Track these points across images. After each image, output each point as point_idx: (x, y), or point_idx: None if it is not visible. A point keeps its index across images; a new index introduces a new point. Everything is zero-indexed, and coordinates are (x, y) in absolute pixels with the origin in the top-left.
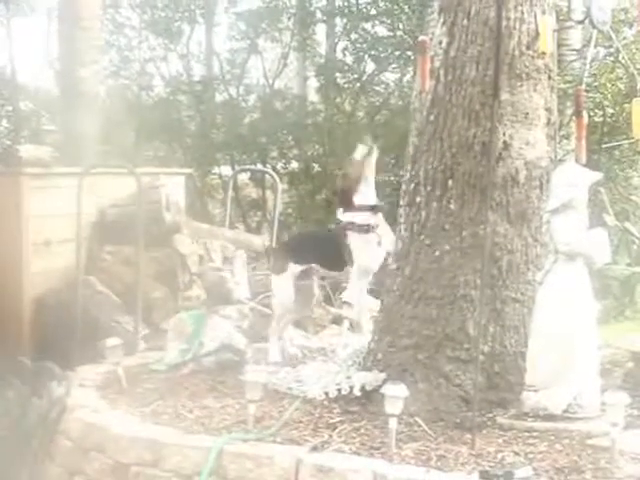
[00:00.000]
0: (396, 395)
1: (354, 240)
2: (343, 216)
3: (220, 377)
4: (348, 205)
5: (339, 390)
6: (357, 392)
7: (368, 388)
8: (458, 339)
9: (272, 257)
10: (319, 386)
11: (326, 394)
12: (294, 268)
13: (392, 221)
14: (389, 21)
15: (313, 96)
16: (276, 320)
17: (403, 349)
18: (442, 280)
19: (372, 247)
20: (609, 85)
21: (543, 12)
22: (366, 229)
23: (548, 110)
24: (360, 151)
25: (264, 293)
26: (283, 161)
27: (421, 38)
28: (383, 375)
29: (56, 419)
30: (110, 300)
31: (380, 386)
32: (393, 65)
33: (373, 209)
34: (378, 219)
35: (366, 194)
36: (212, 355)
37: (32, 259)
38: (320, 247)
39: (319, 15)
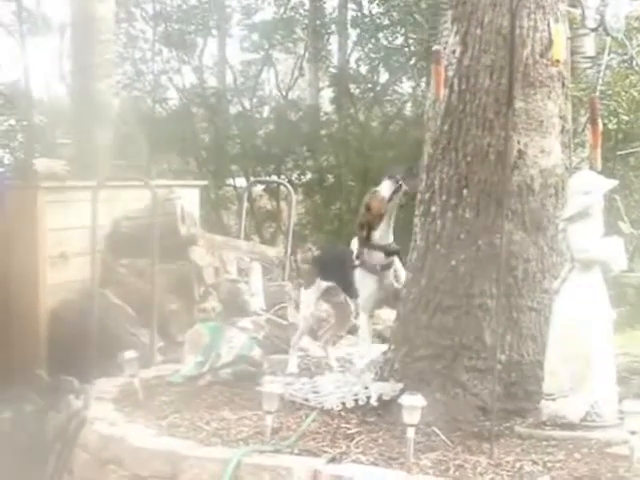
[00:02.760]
0: (413, 405)
1: (361, 277)
2: (356, 250)
3: (237, 389)
4: (365, 240)
5: (356, 401)
6: (374, 402)
7: (385, 398)
8: (475, 348)
9: (304, 271)
10: (336, 397)
11: (343, 405)
12: (320, 284)
13: (407, 231)
14: (402, 31)
15: (327, 107)
16: (298, 333)
17: (420, 359)
18: (458, 289)
19: (377, 288)
20: (623, 92)
21: (556, 20)
22: (375, 269)
23: (562, 118)
24: (387, 187)
25: (279, 304)
26: (298, 172)
27: (435, 48)
28: (400, 385)
29: (74, 432)
30: (126, 313)
31: (397, 396)
32: (407, 75)
33: (387, 250)
34: (392, 260)
35: (384, 233)
36: (229, 367)
37: (48, 272)
38: (342, 268)
39: (333, 26)
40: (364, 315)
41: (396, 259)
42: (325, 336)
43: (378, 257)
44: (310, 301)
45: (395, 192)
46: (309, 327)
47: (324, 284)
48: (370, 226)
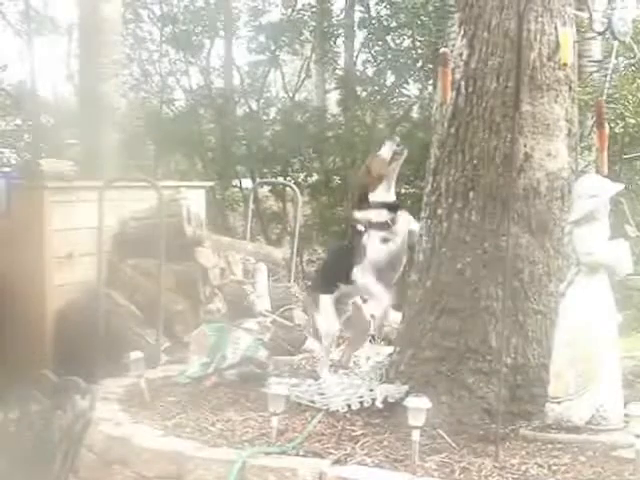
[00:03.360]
0: (419, 407)
1: (371, 237)
2: (359, 215)
3: (242, 390)
4: (363, 202)
5: (361, 402)
6: (379, 404)
7: (391, 400)
8: (481, 351)
9: (318, 275)
10: (342, 399)
11: (349, 407)
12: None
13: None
14: (409, 33)
15: (334, 108)
16: (324, 340)
17: (425, 361)
18: (464, 292)
19: (385, 245)
20: (630, 96)
21: (564, 23)
22: (382, 226)
23: (569, 121)
24: (387, 149)
25: (285, 306)
26: (304, 173)
27: (442, 50)
28: (406, 387)
29: (80, 433)
30: (132, 313)
31: (403, 398)
32: (414, 77)
33: (390, 207)
34: (396, 216)
35: (384, 193)
36: (234, 368)
37: (54, 272)
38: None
39: (340, 28)
40: (371, 277)
41: (405, 218)
42: (344, 357)
43: (381, 214)
44: (328, 319)
45: (395, 155)
46: (331, 345)
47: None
48: (369, 187)
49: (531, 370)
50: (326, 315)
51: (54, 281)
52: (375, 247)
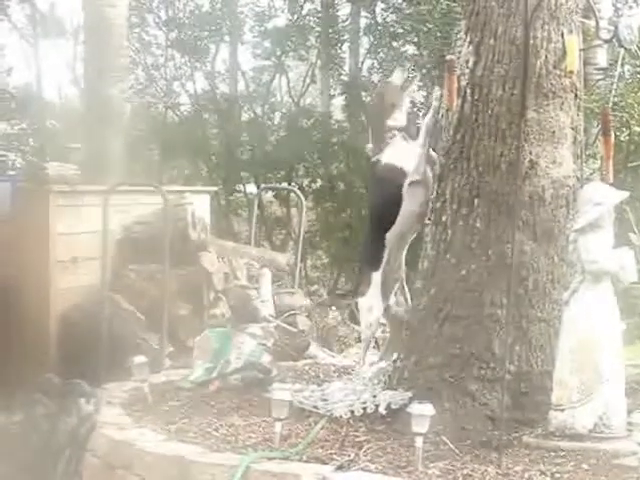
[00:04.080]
0: (422, 414)
1: (399, 146)
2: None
3: (246, 395)
4: (380, 129)
5: (365, 409)
6: (383, 411)
7: (394, 407)
8: (484, 358)
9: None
10: (345, 404)
11: (352, 413)
12: (377, 278)
13: (418, 240)
14: (415, 40)
15: (338, 114)
16: (364, 345)
17: (429, 368)
18: (468, 299)
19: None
20: (635, 104)
21: (570, 31)
22: (407, 131)
23: (574, 129)
24: (398, 75)
25: (289, 311)
26: (308, 179)
27: (449, 57)
28: (409, 394)
29: (85, 436)
30: (136, 317)
31: (406, 405)
32: (419, 84)
33: (404, 130)
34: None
35: (398, 118)
36: (238, 373)
37: (59, 276)
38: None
39: (345, 34)
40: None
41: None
42: (385, 357)
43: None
44: (372, 304)
45: (407, 82)
46: (373, 336)
47: (379, 273)
48: (385, 115)
49: (534, 378)
50: (377, 294)
51: (59, 285)
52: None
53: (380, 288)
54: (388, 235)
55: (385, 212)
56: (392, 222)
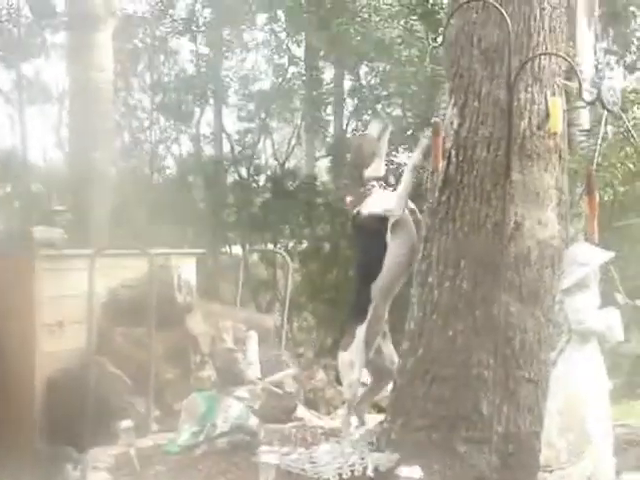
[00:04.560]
0: (410, 476)
1: (378, 195)
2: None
3: (233, 458)
4: (358, 180)
5: (353, 471)
6: (371, 473)
7: (382, 469)
8: (472, 419)
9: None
10: (332, 467)
11: (340, 476)
12: (360, 333)
13: (404, 301)
14: (400, 102)
15: (324, 176)
16: (347, 406)
17: (417, 429)
18: (455, 360)
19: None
20: (619, 164)
21: (553, 93)
22: (386, 181)
23: (559, 190)
24: (374, 127)
25: (275, 373)
26: (294, 241)
27: (434, 119)
28: (397, 456)
29: None
30: (122, 381)
31: (394, 467)
32: (404, 145)
33: (383, 179)
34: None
35: (376, 168)
36: (225, 436)
37: (44, 340)
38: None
39: (330, 97)
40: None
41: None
42: (362, 406)
43: (379, 169)
44: (354, 359)
45: (383, 131)
46: (355, 396)
47: (364, 327)
48: (364, 166)
49: (523, 438)
50: (360, 349)
51: (44, 348)
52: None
53: (363, 343)
54: (374, 286)
55: (370, 262)
56: (377, 273)
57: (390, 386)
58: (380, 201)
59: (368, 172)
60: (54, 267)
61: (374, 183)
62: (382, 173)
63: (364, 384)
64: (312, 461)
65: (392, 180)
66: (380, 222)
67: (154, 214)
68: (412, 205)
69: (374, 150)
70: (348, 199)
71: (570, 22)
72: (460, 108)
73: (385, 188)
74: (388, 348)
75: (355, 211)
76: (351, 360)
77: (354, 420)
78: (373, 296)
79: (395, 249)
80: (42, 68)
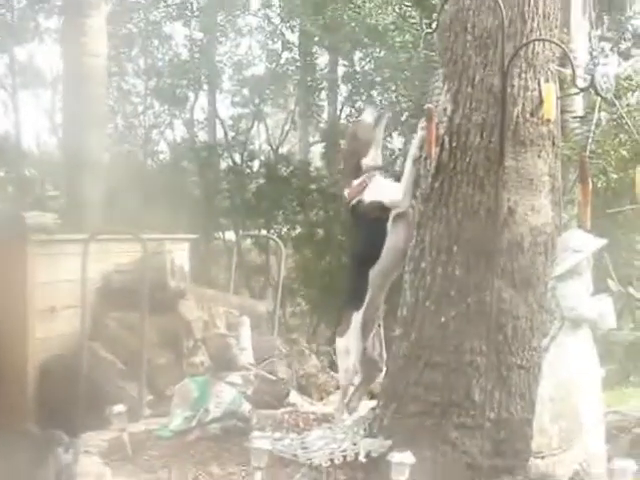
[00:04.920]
0: (402, 462)
1: (380, 183)
2: (352, 186)
3: (225, 444)
4: (356, 170)
5: (345, 457)
6: (363, 459)
7: (374, 455)
8: (464, 406)
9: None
10: (325, 453)
11: (332, 461)
12: (357, 317)
13: (397, 287)
14: (393, 88)
15: (317, 162)
16: (341, 392)
17: (409, 415)
18: (447, 346)
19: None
20: (612, 151)
21: (547, 79)
22: (385, 170)
23: (552, 176)
24: (370, 113)
25: (268, 359)
26: (287, 226)
27: (427, 106)
28: (389, 442)
29: None
30: (114, 366)
31: (386, 453)
32: (397, 131)
33: (382, 169)
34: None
35: (374, 157)
36: (217, 422)
37: (37, 325)
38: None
39: (324, 82)
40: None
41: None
42: (354, 399)
43: (377, 158)
44: (350, 346)
45: (379, 118)
46: (351, 382)
47: (360, 313)
48: (359, 155)
49: (514, 425)
50: (356, 335)
51: (37, 334)
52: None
53: (360, 329)
54: (371, 272)
55: (369, 249)
56: (375, 259)
57: (381, 374)
58: (382, 189)
59: (366, 161)
60: (47, 252)
61: (374, 172)
62: (380, 162)
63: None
64: (304, 447)
65: (391, 170)
66: (382, 210)
67: (147, 199)
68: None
69: (370, 137)
70: (347, 191)
71: (564, 9)
72: (453, 94)
73: (386, 177)
74: (380, 339)
75: (356, 200)
76: (347, 346)
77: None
78: (370, 283)
79: (395, 237)
80: (35, 53)
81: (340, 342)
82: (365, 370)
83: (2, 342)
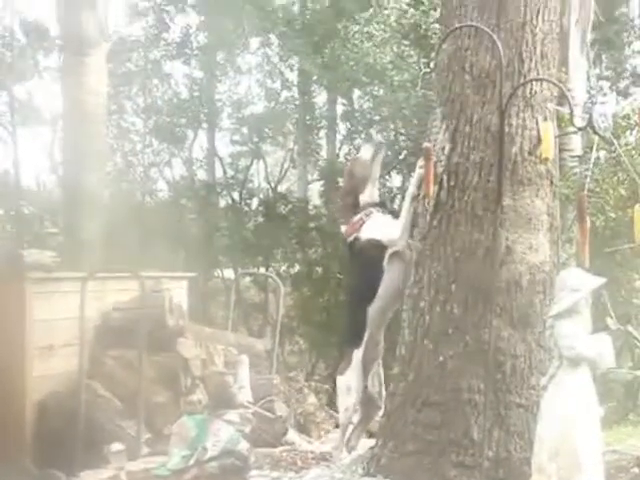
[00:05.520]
0: None
1: (378, 221)
2: (350, 223)
3: None
4: (353, 207)
5: None
6: None
7: None
8: (462, 444)
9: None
10: None
11: None
12: (358, 355)
13: (395, 325)
14: (392, 126)
15: (316, 200)
16: (341, 430)
17: (407, 454)
18: (446, 385)
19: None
20: (611, 190)
21: (545, 118)
22: (382, 207)
23: (550, 215)
24: (367, 150)
25: (267, 397)
26: (286, 264)
27: (425, 145)
28: None
29: None
30: (112, 404)
31: None
32: (396, 169)
33: (379, 206)
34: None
35: (371, 193)
36: (215, 460)
37: (35, 363)
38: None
39: (323, 121)
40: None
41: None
42: (353, 438)
43: (373, 195)
44: (351, 384)
45: (376, 154)
46: (350, 421)
47: (361, 351)
48: (357, 192)
49: (513, 464)
50: (357, 373)
51: (35, 372)
52: (389, 225)
53: (360, 367)
54: (370, 310)
55: (366, 287)
56: (373, 297)
57: (380, 412)
58: (379, 227)
59: (364, 198)
60: (45, 290)
61: (372, 210)
62: (377, 198)
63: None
64: None
65: (389, 206)
66: (378, 248)
67: (146, 237)
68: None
69: (367, 173)
70: (344, 228)
71: (563, 47)
72: (452, 133)
73: (384, 213)
74: (379, 377)
75: (352, 237)
76: (348, 385)
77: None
78: (369, 320)
79: (391, 275)
80: (35, 91)
81: (341, 380)
82: (364, 408)
83: (0, 380)
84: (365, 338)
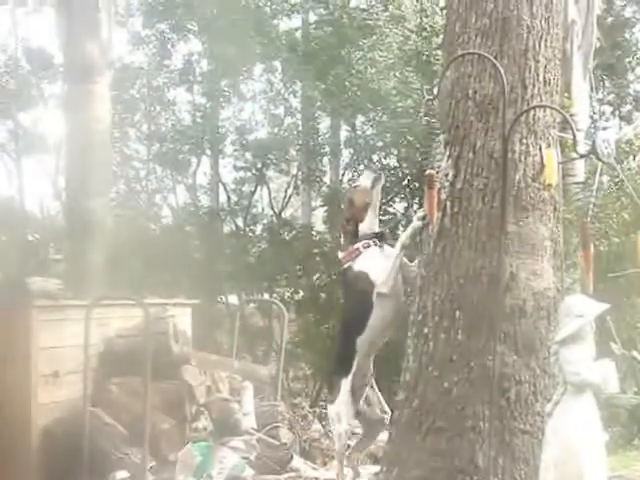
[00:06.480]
0: None
1: (372, 256)
2: (347, 250)
3: None
4: (353, 235)
5: None
6: None
7: None
8: (467, 471)
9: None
10: None
11: None
12: (346, 384)
13: (400, 352)
14: (395, 152)
15: (320, 226)
16: (337, 456)
17: None
18: (450, 411)
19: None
20: (614, 215)
21: (548, 145)
22: (380, 238)
23: (554, 241)
24: (366, 178)
25: (271, 424)
26: (290, 290)
27: (428, 172)
28: None
29: None
30: (117, 432)
31: None
32: (399, 195)
33: (378, 236)
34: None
35: (371, 222)
36: None
37: (40, 390)
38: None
39: (326, 147)
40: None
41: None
42: (355, 455)
43: (373, 225)
44: (341, 412)
45: (375, 181)
46: (345, 447)
47: (349, 380)
48: (357, 219)
49: None
50: (346, 401)
51: (40, 399)
52: (382, 265)
53: (349, 395)
54: (358, 340)
55: (356, 318)
56: (363, 328)
57: (385, 437)
58: (373, 263)
59: (363, 227)
60: (50, 318)
61: (369, 242)
62: (377, 227)
63: (356, 433)
64: None
65: (389, 236)
66: (368, 282)
67: (150, 264)
68: (405, 259)
69: (367, 201)
70: (341, 254)
71: (566, 73)
72: (455, 160)
73: (382, 248)
74: (376, 397)
75: (347, 265)
76: (338, 413)
77: (348, 471)
78: (358, 350)
79: (379, 310)
80: (39, 118)
81: (331, 409)
82: (365, 428)
83: (6, 407)
84: (353, 369)
